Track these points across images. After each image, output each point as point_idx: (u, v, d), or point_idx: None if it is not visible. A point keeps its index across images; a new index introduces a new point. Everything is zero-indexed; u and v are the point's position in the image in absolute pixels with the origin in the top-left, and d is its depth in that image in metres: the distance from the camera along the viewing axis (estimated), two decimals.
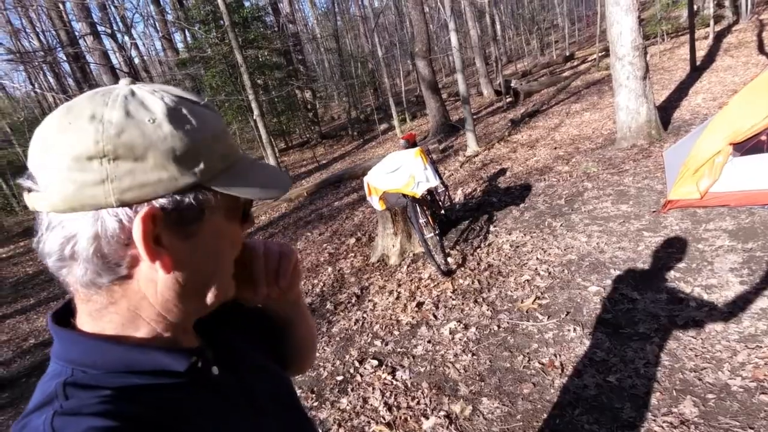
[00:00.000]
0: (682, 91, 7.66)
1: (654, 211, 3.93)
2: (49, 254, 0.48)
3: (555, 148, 6.87)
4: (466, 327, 3.13)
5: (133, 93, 0.49)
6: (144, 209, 0.46)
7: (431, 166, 3.94)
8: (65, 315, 0.53)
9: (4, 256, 11.15)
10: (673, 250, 3.33)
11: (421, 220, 3.95)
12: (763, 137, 3.20)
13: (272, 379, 0.72)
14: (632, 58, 5.48)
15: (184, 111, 0.49)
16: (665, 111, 6.60)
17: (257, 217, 8.30)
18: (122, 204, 0.46)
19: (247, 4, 14.56)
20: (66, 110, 0.47)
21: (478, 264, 3.95)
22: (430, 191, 4.47)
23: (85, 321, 0.52)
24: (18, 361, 4.87)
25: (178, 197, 0.48)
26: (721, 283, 2.84)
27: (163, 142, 0.46)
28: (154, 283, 0.50)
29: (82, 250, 0.47)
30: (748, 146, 3.27)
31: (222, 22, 11.65)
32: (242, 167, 0.54)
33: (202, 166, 0.49)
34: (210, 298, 0.55)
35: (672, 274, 3.06)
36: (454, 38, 7.57)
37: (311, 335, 0.87)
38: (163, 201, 0.47)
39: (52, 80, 20.33)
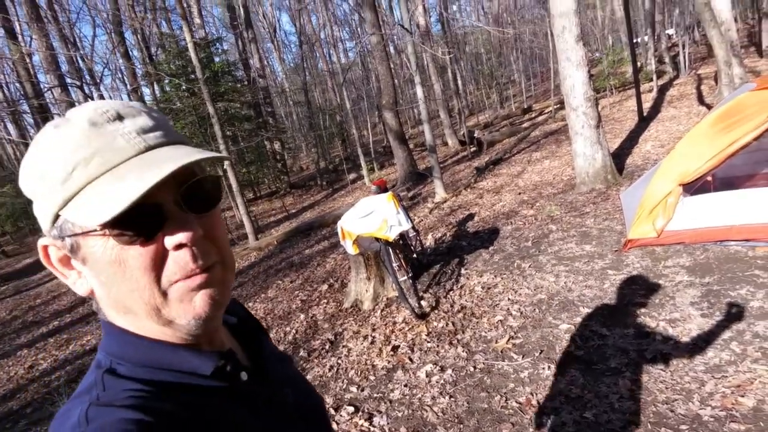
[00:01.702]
0: (632, 139, 8.19)
1: (616, 251, 4.10)
2: None
3: (519, 194, 7.13)
4: (443, 369, 3.12)
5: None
6: (44, 238, 0.53)
7: (403, 210, 4.02)
8: None
9: None
10: (636, 286, 3.46)
11: (395, 264, 3.98)
12: (709, 178, 3.46)
13: (303, 392, 0.73)
14: (585, 108, 5.87)
15: (39, 146, 0.50)
16: (619, 157, 7.01)
17: None
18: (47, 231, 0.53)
19: (217, 59, 14.86)
20: None
21: (452, 306, 3.98)
22: (402, 236, 4.53)
23: (114, 317, 0.55)
24: None
25: (55, 228, 0.51)
26: (683, 316, 2.96)
27: (39, 175, 0.50)
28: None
29: None
30: (696, 187, 3.51)
31: (193, 75, 11.82)
32: (103, 180, 0.48)
33: (55, 195, 0.49)
34: (148, 314, 0.52)
35: (637, 309, 3.17)
36: (419, 91, 7.93)
37: None
38: (50, 232, 0.52)
39: (12, 130, 19.88)
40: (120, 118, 0.51)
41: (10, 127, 20.74)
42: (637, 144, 7.79)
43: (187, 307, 0.52)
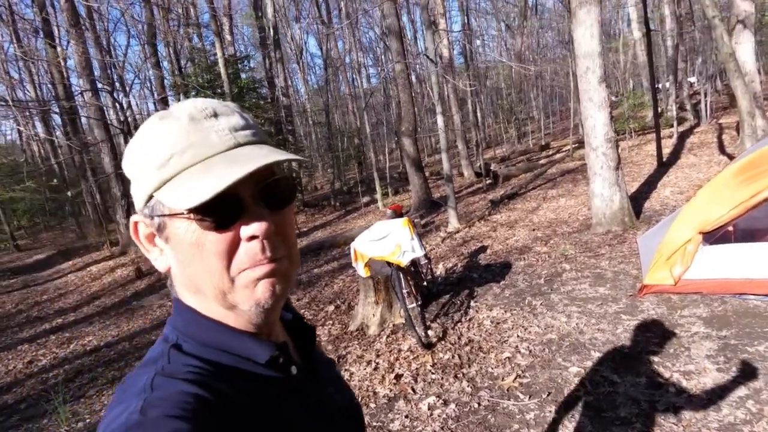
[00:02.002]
0: (651, 183, 8.13)
1: (631, 295, 4.02)
2: None
3: (533, 230, 7.07)
4: (446, 403, 3.04)
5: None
6: (136, 215, 0.59)
7: (417, 237, 4.01)
8: None
9: None
10: (650, 334, 3.37)
11: (405, 290, 3.95)
12: (730, 228, 3.40)
13: (346, 396, 0.76)
14: (605, 149, 5.86)
15: (144, 135, 0.57)
16: (636, 201, 6.95)
17: None
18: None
19: (243, 76, 15.21)
20: None
21: (459, 338, 3.91)
22: (413, 262, 4.50)
23: (185, 296, 0.60)
24: None
25: (147, 207, 0.57)
26: (698, 369, 2.87)
27: (140, 159, 0.56)
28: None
29: None
30: (716, 236, 3.45)
31: (219, 90, 12.11)
32: (195, 170, 0.53)
33: (152, 178, 0.54)
34: (216, 297, 0.56)
35: (650, 358, 3.09)
36: (440, 120, 8.00)
37: None
38: (142, 210, 0.58)
39: (40, 129, 20.42)
40: (216, 115, 0.56)
41: (38, 126, 21.28)
42: (655, 189, 7.73)
43: (249, 293, 0.55)
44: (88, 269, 11.86)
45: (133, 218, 0.59)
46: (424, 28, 8.40)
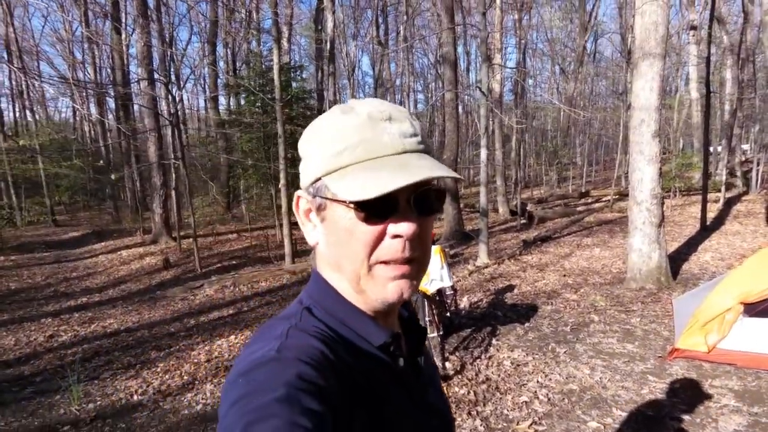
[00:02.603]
0: (691, 246, 7.88)
1: (660, 357, 3.89)
2: None
3: (564, 275, 6.95)
4: None
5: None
6: (301, 191, 0.66)
7: (447, 266, 4.01)
8: None
9: None
10: (677, 399, 3.25)
11: (427, 318, 3.93)
12: None
13: (442, 402, 0.80)
14: (650, 204, 5.74)
15: (324, 122, 0.63)
16: (674, 261, 6.74)
17: (257, 282, 8.25)
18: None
19: (294, 85, 15.64)
20: None
21: (477, 375, 3.86)
22: (439, 291, 4.49)
23: (326, 271, 0.67)
24: None
25: (312, 187, 0.63)
26: None
27: (317, 143, 0.62)
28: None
29: None
30: (759, 308, 3.33)
31: (270, 95, 12.47)
32: (364, 166, 0.58)
33: (323, 163, 0.60)
34: (351, 279, 0.62)
35: (675, 424, 2.98)
36: (483, 153, 8.02)
37: None
38: (307, 189, 0.64)
39: (94, 110, 21.21)
40: (390, 119, 0.61)
41: (92, 107, 22.16)
42: (695, 252, 7.49)
43: (380, 289, 0.61)
44: (119, 253, 11.95)
45: (298, 193, 0.66)
46: (481, 60, 8.52)
